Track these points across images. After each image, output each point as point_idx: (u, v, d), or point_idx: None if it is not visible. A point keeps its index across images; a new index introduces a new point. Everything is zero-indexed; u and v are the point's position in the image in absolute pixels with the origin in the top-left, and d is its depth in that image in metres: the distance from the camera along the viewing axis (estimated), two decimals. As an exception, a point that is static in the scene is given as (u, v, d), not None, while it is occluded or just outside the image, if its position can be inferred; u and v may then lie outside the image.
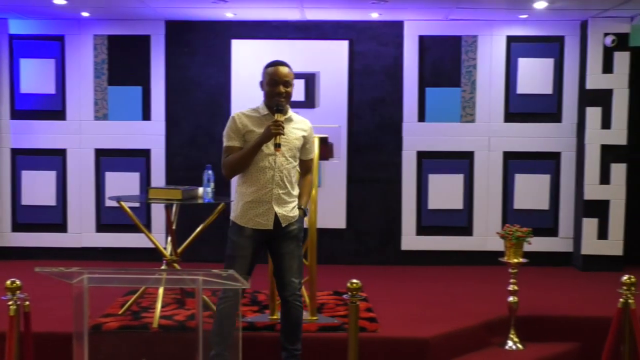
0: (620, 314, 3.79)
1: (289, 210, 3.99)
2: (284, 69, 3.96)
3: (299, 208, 4.06)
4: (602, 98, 6.65)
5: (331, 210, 6.86)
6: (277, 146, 3.81)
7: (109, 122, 7.00)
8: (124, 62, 7.00)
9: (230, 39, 6.95)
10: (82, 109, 6.99)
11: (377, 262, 7.01)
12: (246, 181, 3.98)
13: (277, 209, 3.94)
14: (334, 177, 6.92)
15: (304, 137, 4.04)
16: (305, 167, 4.15)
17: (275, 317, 4.71)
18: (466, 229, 7.02)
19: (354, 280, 3.69)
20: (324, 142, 4.75)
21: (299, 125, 4.04)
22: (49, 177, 7.05)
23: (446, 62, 6.95)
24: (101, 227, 7.06)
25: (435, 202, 6.99)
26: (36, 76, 6.99)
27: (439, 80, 6.95)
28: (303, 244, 4.19)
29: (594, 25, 6.61)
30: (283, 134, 3.83)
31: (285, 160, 3.94)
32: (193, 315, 4.79)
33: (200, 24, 6.97)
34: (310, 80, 6.91)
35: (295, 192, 4.05)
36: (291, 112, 4.03)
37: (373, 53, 6.97)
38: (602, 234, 6.69)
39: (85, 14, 6.69)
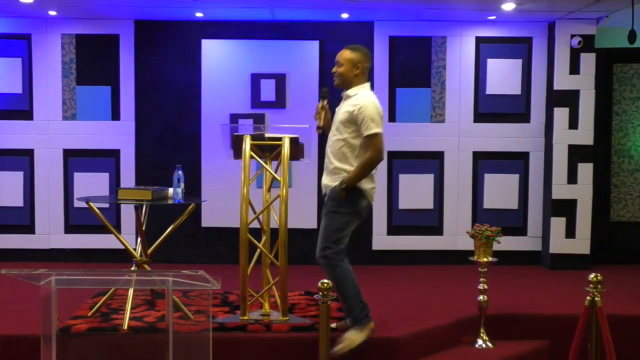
0: (587, 311, 3.85)
1: (329, 180, 4.31)
2: (341, 51, 4.50)
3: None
4: (569, 99, 6.73)
5: (302, 210, 6.85)
6: (317, 128, 4.41)
7: (78, 122, 6.93)
8: (92, 61, 6.92)
9: (200, 38, 6.92)
10: (49, 108, 6.91)
11: (348, 262, 7.01)
12: None
13: (324, 177, 4.38)
14: (305, 177, 6.92)
15: (349, 112, 4.24)
16: (364, 144, 4.25)
17: (246, 317, 4.68)
18: (436, 229, 7.06)
19: (325, 280, 3.70)
20: (294, 142, 4.76)
21: (351, 102, 4.31)
22: (16, 178, 6.95)
23: (416, 62, 6.98)
24: (70, 228, 6.98)
25: (405, 202, 7.03)
26: (2, 75, 6.89)
27: (409, 80, 6.98)
28: (337, 211, 4.25)
29: (561, 26, 6.69)
30: (319, 117, 4.40)
31: (332, 134, 4.35)
32: (163, 317, 4.76)
33: (170, 24, 6.92)
34: (280, 80, 6.90)
35: (346, 166, 4.25)
36: (356, 91, 4.39)
37: (343, 53, 6.96)
38: (570, 232, 6.78)
39: (52, 13, 6.61)
